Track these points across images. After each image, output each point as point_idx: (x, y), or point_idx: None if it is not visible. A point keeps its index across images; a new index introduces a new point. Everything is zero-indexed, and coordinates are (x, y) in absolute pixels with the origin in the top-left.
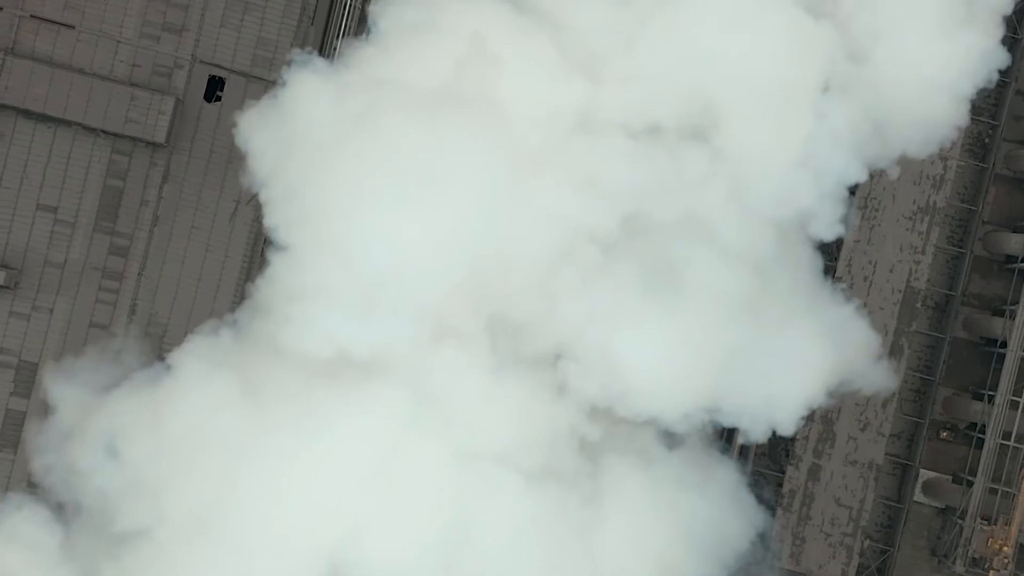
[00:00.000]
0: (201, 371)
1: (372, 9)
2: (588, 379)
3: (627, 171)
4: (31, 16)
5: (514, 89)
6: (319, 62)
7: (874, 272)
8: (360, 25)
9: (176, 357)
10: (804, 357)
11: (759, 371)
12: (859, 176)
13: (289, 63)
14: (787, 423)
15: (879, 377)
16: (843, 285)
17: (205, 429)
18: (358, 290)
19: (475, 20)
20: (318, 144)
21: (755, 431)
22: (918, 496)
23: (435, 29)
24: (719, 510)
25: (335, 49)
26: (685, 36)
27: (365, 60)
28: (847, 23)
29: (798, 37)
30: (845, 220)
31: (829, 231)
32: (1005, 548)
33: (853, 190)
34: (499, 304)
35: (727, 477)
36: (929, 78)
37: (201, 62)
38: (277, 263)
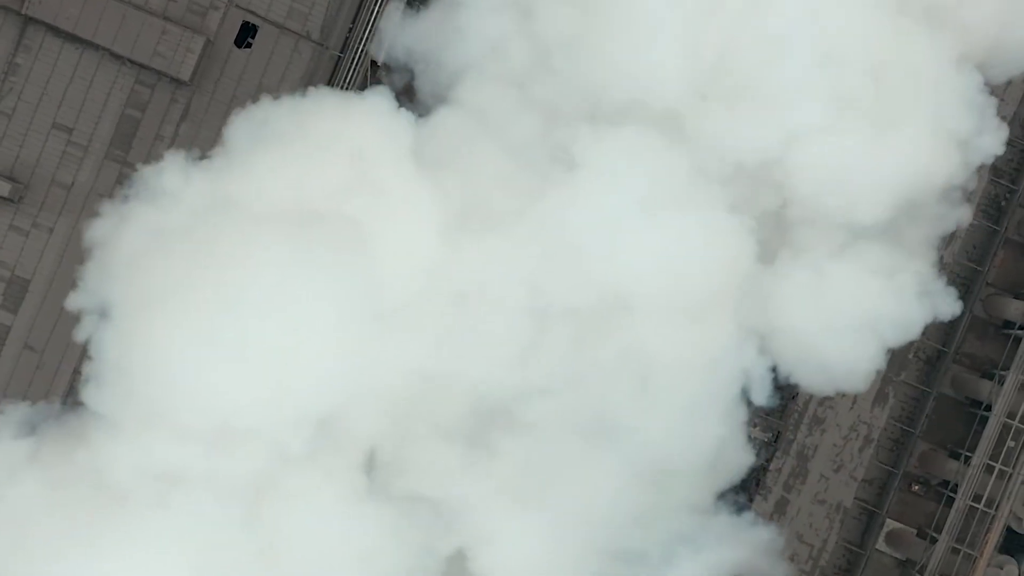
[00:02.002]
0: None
1: (234, 122)
2: (444, 536)
3: (505, 350)
4: None
5: (389, 228)
6: (186, 166)
7: None
8: None
9: None
10: (689, 564)
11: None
12: (764, 399)
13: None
14: None
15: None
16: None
17: None
18: (192, 416)
19: (360, 138)
20: (158, 256)
21: None
22: (880, 544)
23: (309, 143)
24: None
25: (375, 14)
26: (596, 218)
27: (222, 171)
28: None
29: (717, 242)
30: (756, 445)
31: (737, 458)
32: None
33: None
34: (366, 440)
35: None
36: (850, 319)
37: (237, 6)
38: (102, 371)
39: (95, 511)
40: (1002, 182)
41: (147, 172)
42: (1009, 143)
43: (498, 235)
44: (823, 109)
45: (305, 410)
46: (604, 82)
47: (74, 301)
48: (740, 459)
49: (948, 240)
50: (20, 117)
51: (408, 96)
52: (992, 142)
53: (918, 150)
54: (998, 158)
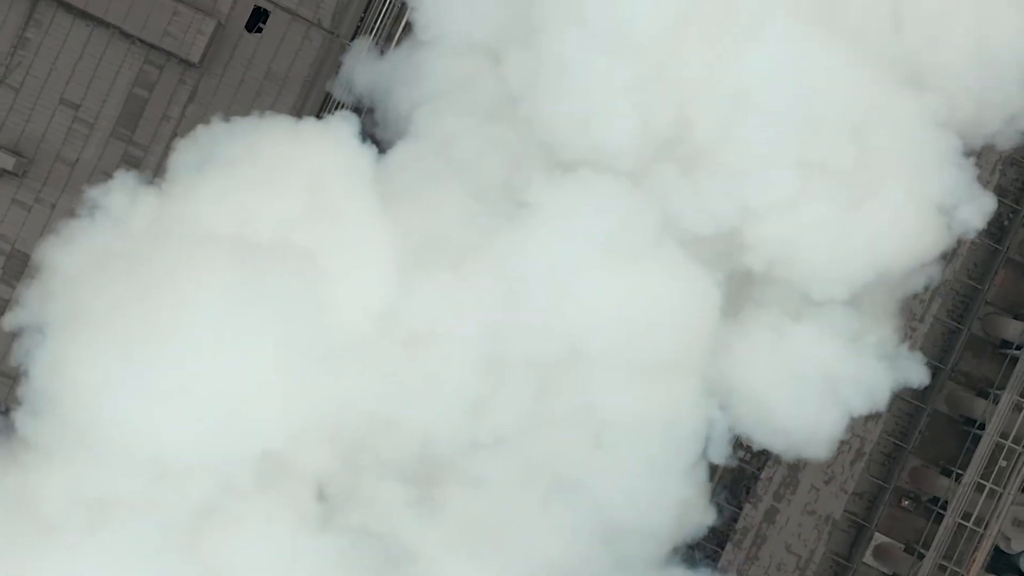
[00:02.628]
0: None
1: (183, 146)
2: (392, 574)
3: (456, 397)
4: None
5: (342, 262)
6: (135, 188)
7: None
8: None
9: None
10: None
11: None
12: (722, 458)
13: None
14: None
15: None
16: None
17: None
18: (129, 449)
19: (317, 165)
20: (100, 280)
21: None
22: (867, 558)
23: (263, 168)
24: None
25: (387, 3)
26: (555, 266)
27: (171, 195)
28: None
29: (682, 296)
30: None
31: (699, 518)
32: None
33: None
34: (314, 472)
35: None
36: (811, 384)
37: None
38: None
39: (25, 535)
40: (1006, 201)
41: (95, 192)
42: (1014, 163)
43: (454, 278)
44: (790, 180)
45: (249, 444)
46: (560, 137)
47: (12, 320)
48: (702, 519)
49: (949, 258)
50: (28, 91)
51: (372, 140)
52: (974, 214)
53: (896, 222)
54: (1003, 177)
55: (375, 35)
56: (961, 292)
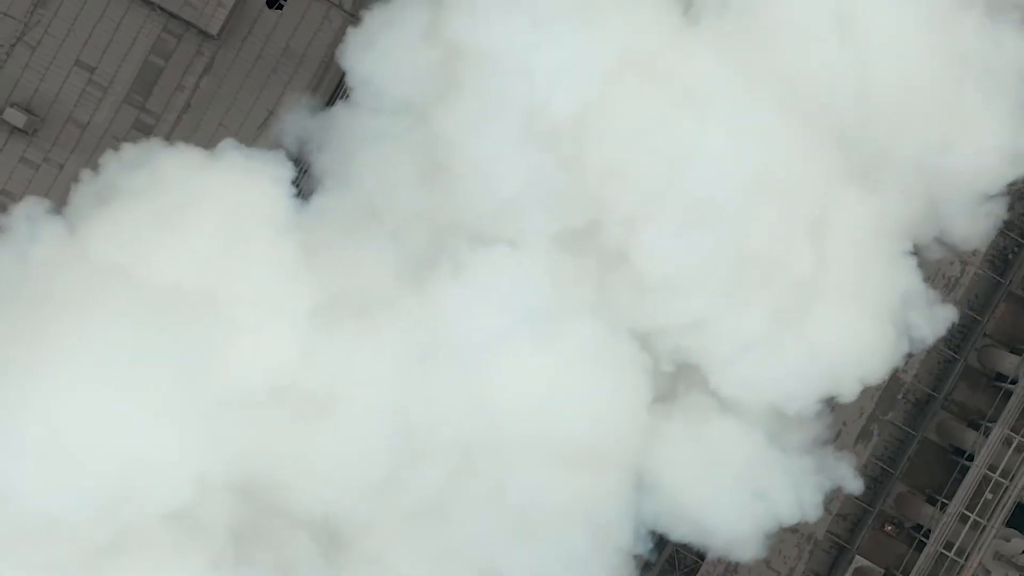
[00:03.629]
0: None
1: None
2: None
3: (360, 469)
4: None
5: (250, 314)
6: (40, 217)
7: None
8: None
9: None
10: None
11: None
12: (645, 551)
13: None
14: None
15: None
16: None
17: None
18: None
19: (234, 204)
20: None
21: None
22: None
23: (176, 196)
24: None
25: None
26: (476, 341)
27: (76, 228)
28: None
29: (611, 382)
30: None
31: None
32: None
33: None
34: (221, 517)
35: None
36: (734, 485)
37: None
38: None
39: None
40: (1012, 235)
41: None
42: (1023, 197)
43: (364, 342)
44: (706, 298)
45: (145, 494)
46: (476, 214)
47: None
48: None
49: (952, 286)
50: (44, 51)
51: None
52: (929, 329)
53: (846, 339)
54: (1010, 211)
55: None
56: (960, 322)
